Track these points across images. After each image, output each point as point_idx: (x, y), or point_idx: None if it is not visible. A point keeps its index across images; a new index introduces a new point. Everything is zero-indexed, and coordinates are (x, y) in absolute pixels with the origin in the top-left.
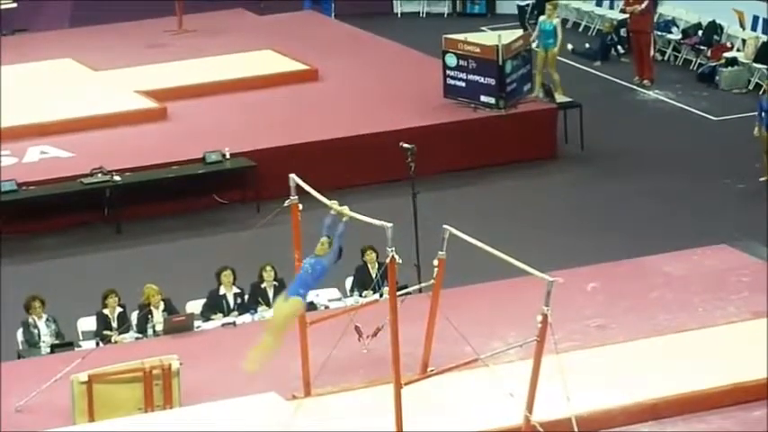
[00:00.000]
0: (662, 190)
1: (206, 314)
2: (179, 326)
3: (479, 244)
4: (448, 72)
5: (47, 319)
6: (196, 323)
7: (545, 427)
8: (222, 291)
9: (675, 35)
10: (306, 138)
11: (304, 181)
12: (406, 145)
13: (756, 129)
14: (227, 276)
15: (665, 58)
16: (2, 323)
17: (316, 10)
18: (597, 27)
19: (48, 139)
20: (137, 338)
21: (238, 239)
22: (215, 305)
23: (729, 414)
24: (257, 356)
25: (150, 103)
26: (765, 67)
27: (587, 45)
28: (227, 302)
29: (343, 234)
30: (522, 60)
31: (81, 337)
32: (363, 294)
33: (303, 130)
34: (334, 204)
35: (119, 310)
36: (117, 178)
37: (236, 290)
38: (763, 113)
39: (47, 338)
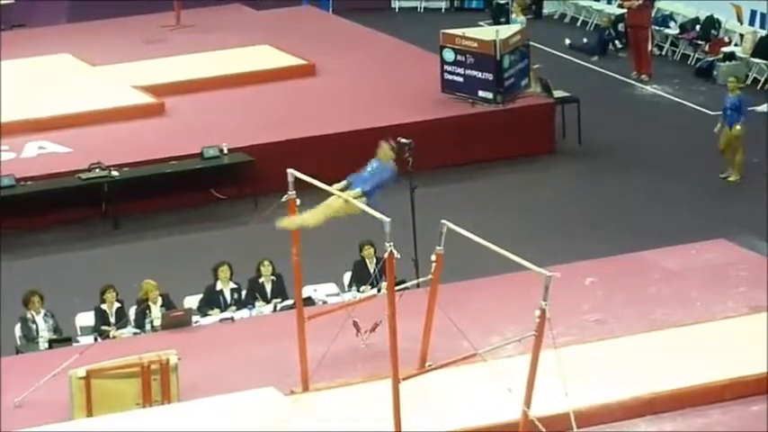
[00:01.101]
0: (660, 184)
1: (203, 309)
2: (177, 321)
3: (477, 239)
4: (446, 67)
5: (45, 315)
6: (194, 318)
7: (543, 421)
8: (219, 286)
9: (673, 30)
10: (304, 133)
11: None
12: (403, 140)
13: (719, 125)
14: (223, 272)
15: (663, 52)
16: (0, 319)
17: (313, 5)
18: (595, 22)
19: (46, 135)
20: (135, 333)
21: (236, 234)
22: (212, 300)
23: (728, 408)
24: (293, 221)
25: (148, 99)
26: (763, 61)
27: (585, 40)
28: (224, 298)
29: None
30: (520, 55)
31: (79, 333)
32: (361, 289)
33: (301, 126)
34: (336, 191)
35: (117, 305)
36: (115, 173)
37: (232, 285)
38: (727, 111)
39: (45, 334)
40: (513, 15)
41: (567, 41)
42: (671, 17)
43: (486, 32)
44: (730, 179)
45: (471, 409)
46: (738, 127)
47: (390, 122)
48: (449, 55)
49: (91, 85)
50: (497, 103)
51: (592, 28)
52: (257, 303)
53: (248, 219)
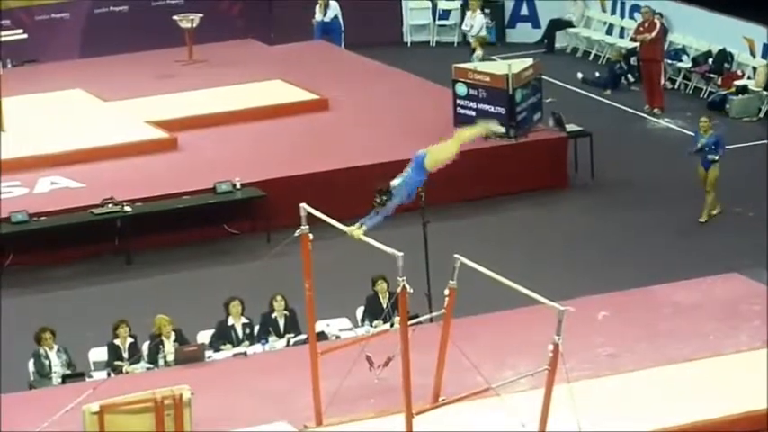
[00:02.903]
0: (673, 218)
1: (215, 345)
2: (190, 356)
3: (490, 273)
4: (458, 101)
5: (58, 350)
6: (207, 353)
7: None
8: (231, 321)
9: (686, 63)
10: (316, 168)
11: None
12: None
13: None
14: (235, 307)
15: (676, 86)
16: (13, 354)
17: (326, 40)
18: (607, 56)
19: (58, 170)
20: (148, 369)
21: (249, 269)
22: (224, 335)
23: None
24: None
25: (160, 134)
26: None
27: (597, 74)
28: (236, 333)
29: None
30: (533, 89)
31: (92, 368)
32: (374, 324)
33: (313, 160)
34: (347, 228)
35: (130, 340)
36: (127, 209)
37: (244, 320)
38: (701, 151)
39: (58, 369)
40: (470, 12)
41: (580, 75)
42: (683, 51)
43: (498, 66)
44: (713, 213)
45: None
46: (715, 169)
47: (403, 157)
48: (461, 89)
49: (103, 121)
50: (510, 137)
51: (604, 62)
52: (270, 338)
53: (261, 254)
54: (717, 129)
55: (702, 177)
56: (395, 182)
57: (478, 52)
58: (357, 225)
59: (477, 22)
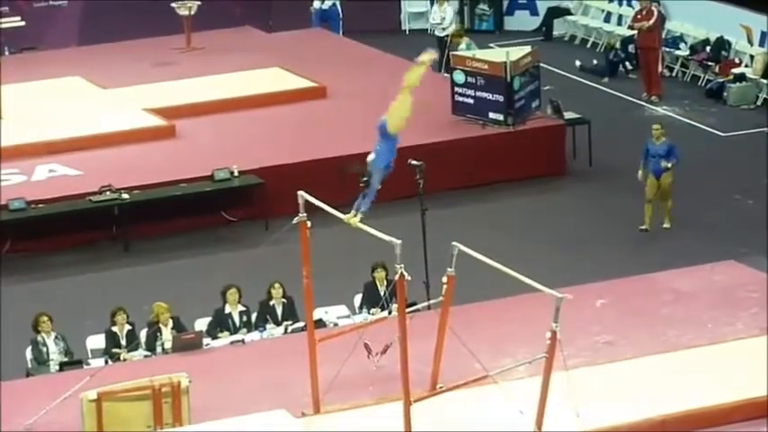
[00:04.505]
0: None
1: (211, 332)
2: (188, 343)
3: (488, 261)
4: (456, 89)
5: (56, 337)
6: (205, 341)
7: None
8: (228, 309)
9: (683, 51)
10: (314, 155)
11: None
12: (414, 162)
13: (640, 173)
14: (232, 295)
15: (674, 74)
16: (11, 342)
17: (324, 27)
18: (605, 44)
19: (56, 158)
20: (146, 356)
21: (247, 257)
22: (220, 323)
23: (738, 430)
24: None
25: (158, 121)
26: None
27: (595, 61)
28: (233, 321)
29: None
30: (531, 77)
31: (90, 355)
32: (372, 312)
33: (312, 148)
34: (344, 216)
35: (127, 327)
36: (125, 196)
37: (241, 308)
38: (649, 157)
39: (56, 356)
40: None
41: (578, 63)
42: (681, 38)
43: (496, 54)
44: (664, 226)
45: (483, 430)
46: (669, 176)
47: (401, 144)
48: (459, 77)
49: (101, 108)
50: (508, 124)
51: (602, 50)
52: (268, 326)
53: (259, 241)
54: (668, 137)
55: (653, 186)
56: (369, 158)
57: (462, 45)
58: (352, 213)
59: (447, 14)
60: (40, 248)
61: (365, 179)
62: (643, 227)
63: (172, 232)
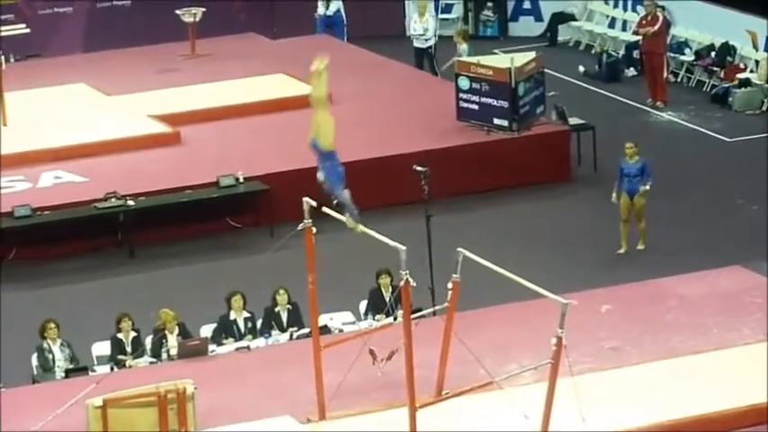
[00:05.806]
0: (676, 211)
1: (216, 339)
2: (193, 350)
3: (493, 267)
4: (461, 95)
5: (61, 344)
6: (210, 347)
7: None
8: (233, 315)
9: (688, 57)
10: None
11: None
12: (419, 168)
13: (614, 194)
14: (237, 301)
15: (679, 79)
16: (17, 348)
17: (328, 34)
18: (609, 49)
19: (61, 164)
20: (151, 363)
21: (252, 263)
22: (225, 330)
23: None
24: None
25: (163, 128)
26: None
27: (599, 67)
28: (238, 327)
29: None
30: (535, 83)
31: (96, 362)
32: (377, 318)
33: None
34: (348, 221)
35: (133, 334)
36: (131, 203)
37: (246, 314)
38: (623, 176)
39: (61, 363)
40: (458, 45)
41: (582, 68)
42: (686, 44)
43: (501, 60)
44: (639, 248)
45: None
46: (642, 197)
47: (406, 150)
48: (464, 83)
49: (106, 115)
50: (513, 130)
51: (606, 55)
52: (273, 332)
53: (264, 247)
54: (642, 155)
55: (627, 206)
56: (319, 177)
57: (464, 47)
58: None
59: (430, 24)
60: (45, 255)
61: (332, 198)
62: (620, 251)
63: (177, 239)
